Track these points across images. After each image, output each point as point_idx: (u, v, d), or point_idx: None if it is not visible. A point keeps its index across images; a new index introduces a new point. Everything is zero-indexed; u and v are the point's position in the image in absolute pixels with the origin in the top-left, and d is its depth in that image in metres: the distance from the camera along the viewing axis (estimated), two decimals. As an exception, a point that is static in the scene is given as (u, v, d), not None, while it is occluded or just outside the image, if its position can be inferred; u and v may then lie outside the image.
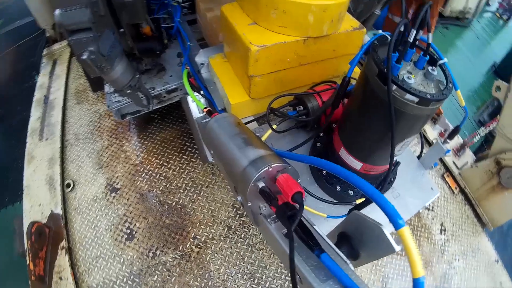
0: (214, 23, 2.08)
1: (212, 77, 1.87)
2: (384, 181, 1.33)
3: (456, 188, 2.55)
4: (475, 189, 2.44)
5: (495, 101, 4.40)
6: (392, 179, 1.66)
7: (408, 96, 1.06)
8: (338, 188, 1.54)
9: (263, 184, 0.93)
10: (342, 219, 1.50)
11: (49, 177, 2.31)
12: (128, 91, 1.68)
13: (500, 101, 2.16)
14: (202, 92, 1.89)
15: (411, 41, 1.04)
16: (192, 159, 2.41)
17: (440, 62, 1.17)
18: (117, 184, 2.31)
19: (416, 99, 1.07)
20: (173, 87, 2.06)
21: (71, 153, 2.47)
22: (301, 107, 1.62)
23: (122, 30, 1.75)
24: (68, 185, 2.30)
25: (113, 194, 2.27)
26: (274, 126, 1.56)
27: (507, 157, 2.15)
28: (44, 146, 2.49)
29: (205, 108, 1.61)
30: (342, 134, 1.42)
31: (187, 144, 2.47)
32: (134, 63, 2.00)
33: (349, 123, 1.37)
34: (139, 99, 1.82)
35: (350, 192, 1.55)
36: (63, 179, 2.32)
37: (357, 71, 1.97)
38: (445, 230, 2.41)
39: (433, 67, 1.15)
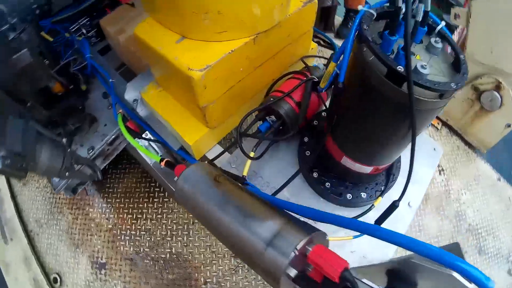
0: (131, 45, 1.64)
1: (153, 114, 1.46)
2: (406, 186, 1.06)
3: (438, 124, 2.35)
4: (458, 119, 2.25)
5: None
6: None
7: (428, 92, 0.75)
8: (349, 196, 1.25)
9: (295, 271, 0.68)
10: (372, 240, 1.25)
11: (33, 280, 1.90)
12: (67, 173, 1.28)
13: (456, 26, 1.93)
14: (147, 135, 1.49)
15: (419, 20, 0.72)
16: (165, 200, 2.01)
17: (438, 28, 0.86)
18: (101, 259, 1.91)
19: (437, 93, 0.76)
20: (113, 136, 1.63)
21: (41, 244, 2.02)
22: (272, 117, 1.28)
23: (28, 104, 1.31)
24: (55, 280, 1.89)
25: (103, 271, 1.87)
26: (252, 154, 1.22)
27: (484, 81, 1.94)
28: (12, 247, 2.03)
29: (162, 160, 1.23)
30: (341, 142, 1.10)
31: (152, 184, 2.07)
32: (60, 129, 1.54)
33: (349, 130, 1.04)
34: (83, 174, 1.42)
35: (363, 195, 1.26)
36: (47, 275, 1.91)
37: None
38: (443, 170, 2.23)
39: (437, 39, 0.84)
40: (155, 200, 2.01)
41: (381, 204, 1.26)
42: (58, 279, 1.88)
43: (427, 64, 0.77)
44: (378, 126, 0.92)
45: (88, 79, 1.77)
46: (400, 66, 0.72)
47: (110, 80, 1.60)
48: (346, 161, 1.12)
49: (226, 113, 1.31)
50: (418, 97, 0.75)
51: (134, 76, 1.60)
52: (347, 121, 1.00)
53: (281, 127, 1.26)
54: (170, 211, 1.97)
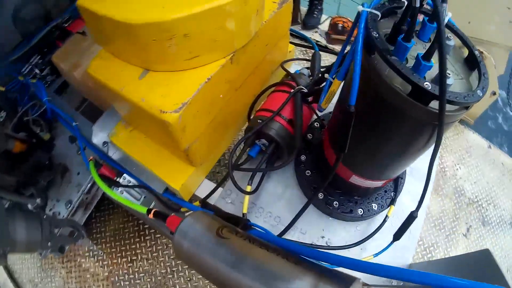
0: (89, 81, 1.42)
1: (129, 157, 1.27)
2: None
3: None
4: (440, 96, 2.15)
5: None
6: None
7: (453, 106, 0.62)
8: (360, 211, 1.11)
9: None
10: (389, 248, 1.12)
11: None
12: (49, 242, 1.10)
13: None
14: (125, 178, 1.30)
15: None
16: (157, 236, 1.82)
17: (446, 20, 0.71)
18: (104, 310, 1.72)
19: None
20: (89, 184, 1.43)
21: (41, 305, 1.80)
22: (263, 140, 1.11)
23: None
24: None
25: (107, 323, 1.69)
26: (248, 188, 1.06)
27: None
28: (12, 313, 1.80)
29: (149, 211, 1.05)
30: (349, 162, 0.94)
31: (140, 222, 1.86)
32: (31, 189, 1.34)
33: (360, 151, 0.88)
34: (67, 238, 1.23)
35: (374, 206, 1.13)
36: None
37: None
38: (434, 149, 2.14)
39: (449, 35, 0.70)
40: (146, 238, 1.82)
41: (394, 211, 1.15)
42: None
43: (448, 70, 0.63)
44: (394, 144, 0.78)
45: (50, 124, 1.55)
46: (427, 83, 0.57)
47: (74, 123, 1.40)
48: (356, 180, 0.98)
49: (212, 146, 1.14)
50: (447, 113, 0.61)
51: (100, 112, 1.40)
52: (357, 142, 0.85)
53: (275, 150, 1.11)
54: (165, 247, 1.79)
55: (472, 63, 0.70)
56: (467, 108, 0.65)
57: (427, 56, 0.57)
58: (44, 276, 1.85)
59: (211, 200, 1.15)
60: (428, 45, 0.72)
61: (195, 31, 0.83)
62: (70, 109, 1.51)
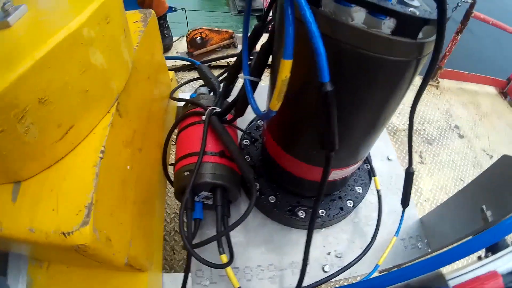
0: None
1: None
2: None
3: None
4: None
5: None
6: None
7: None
8: (350, 203, 0.94)
9: None
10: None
11: None
12: None
13: None
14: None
15: None
16: None
17: None
18: None
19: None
20: None
21: None
22: (203, 193, 0.86)
23: None
24: None
25: None
26: (224, 258, 0.80)
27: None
28: None
29: None
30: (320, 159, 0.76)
31: None
32: None
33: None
34: None
35: (358, 189, 0.98)
36: None
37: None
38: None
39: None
40: None
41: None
42: None
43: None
44: (376, 105, 0.62)
45: None
46: (412, 9, 0.44)
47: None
48: (335, 174, 0.80)
49: (150, 236, 0.85)
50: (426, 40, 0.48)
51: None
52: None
53: (224, 197, 0.86)
54: None
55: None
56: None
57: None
58: None
59: (188, 293, 0.87)
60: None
61: (52, 88, 0.54)
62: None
